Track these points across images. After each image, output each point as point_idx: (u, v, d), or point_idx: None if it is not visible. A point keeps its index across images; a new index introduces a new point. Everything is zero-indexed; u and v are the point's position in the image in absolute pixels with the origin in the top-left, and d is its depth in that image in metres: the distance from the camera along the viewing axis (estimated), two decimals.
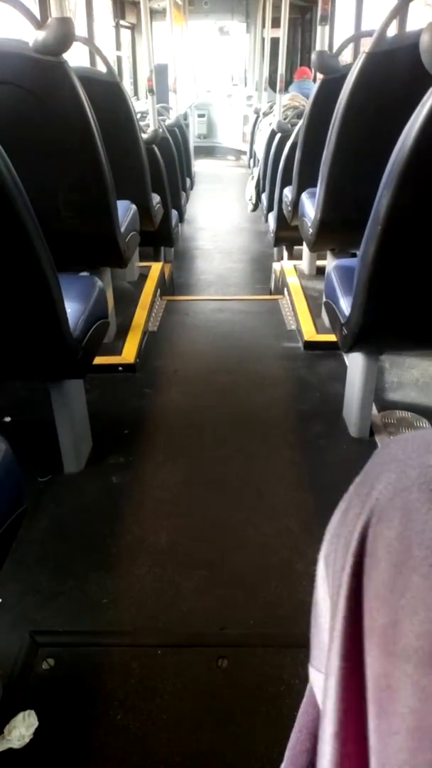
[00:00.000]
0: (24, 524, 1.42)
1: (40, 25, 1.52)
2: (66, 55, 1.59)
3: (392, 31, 1.92)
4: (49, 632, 1.23)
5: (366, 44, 1.84)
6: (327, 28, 2.72)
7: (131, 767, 0.99)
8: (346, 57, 3.30)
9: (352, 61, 2.66)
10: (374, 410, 1.92)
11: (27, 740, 1.02)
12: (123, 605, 1.29)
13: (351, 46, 3.11)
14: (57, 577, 1.36)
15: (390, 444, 0.31)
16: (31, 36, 1.54)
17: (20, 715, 1.05)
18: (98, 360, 1.68)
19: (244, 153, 8.24)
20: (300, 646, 1.15)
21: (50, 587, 1.33)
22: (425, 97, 1.14)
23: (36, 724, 1.04)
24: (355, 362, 1.82)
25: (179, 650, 1.19)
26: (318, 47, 2.64)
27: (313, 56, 2.46)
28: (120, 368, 2.25)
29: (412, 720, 0.24)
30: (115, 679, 1.13)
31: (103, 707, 1.08)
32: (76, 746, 1.03)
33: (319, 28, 2.69)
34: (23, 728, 1.03)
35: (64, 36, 1.54)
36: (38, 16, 1.59)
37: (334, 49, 2.89)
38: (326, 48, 2.68)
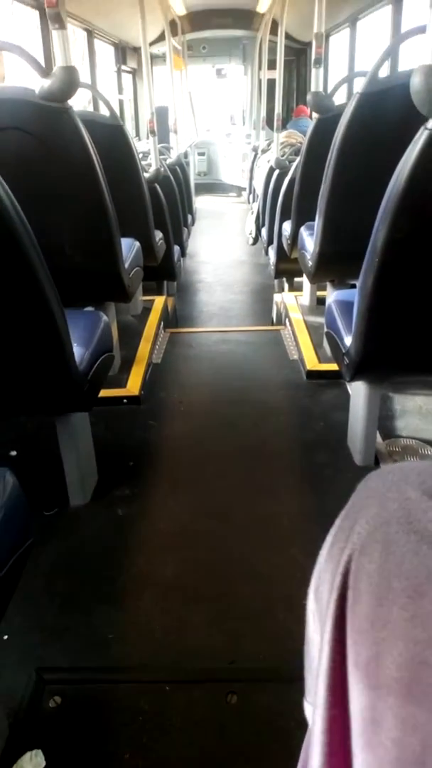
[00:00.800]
0: (29, 558, 1.42)
1: (45, 73, 1.60)
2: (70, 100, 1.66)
3: (384, 71, 1.99)
4: (55, 669, 1.21)
5: (359, 85, 1.92)
6: (321, 69, 2.82)
7: None
8: (340, 97, 3.42)
9: (346, 101, 2.76)
10: (378, 438, 1.92)
11: None
12: (130, 640, 1.28)
13: (345, 86, 3.24)
14: (63, 612, 1.35)
15: (371, 478, 0.32)
16: (37, 83, 1.61)
17: (27, 755, 1.03)
18: (103, 393, 1.70)
19: (244, 189, 8.43)
20: None
21: (56, 623, 1.32)
22: (417, 135, 1.19)
23: (43, 763, 1.02)
24: (357, 391, 1.83)
25: (188, 686, 1.17)
26: (313, 88, 2.73)
27: (309, 97, 2.55)
28: (125, 401, 2.27)
29: (395, 751, 0.24)
30: (123, 716, 1.11)
31: (111, 746, 1.06)
32: None
33: (313, 70, 2.79)
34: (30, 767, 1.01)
35: (69, 83, 1.61)
36: (43, 63, 1.67)
37: (329, 89, 3.00)
38: (321, 89, 2.77)
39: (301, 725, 1.08)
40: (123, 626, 1.31)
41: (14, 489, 0.94)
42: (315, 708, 0.29)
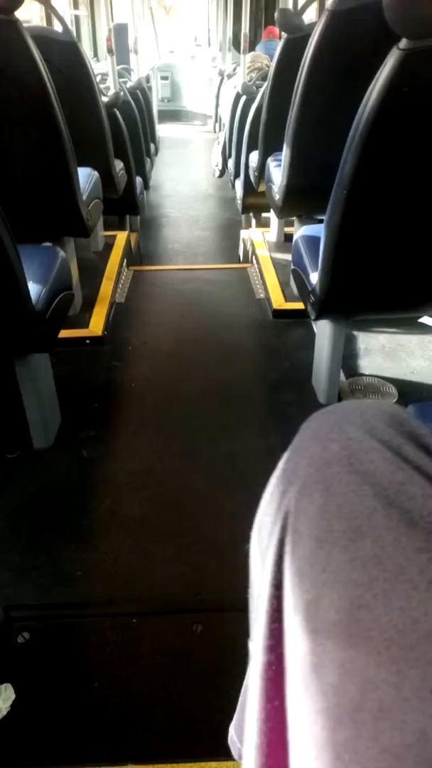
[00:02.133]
0: None
1: None
2: (17, 14, 1.51)
3: None
4: (22, 606, 1.23)
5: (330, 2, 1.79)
6: None
7: (111, 735, 1.01)
8: (311, 15, 3.22)
9: (317, 20, 2.59)
10: (342, 377, 1.94)
11: (4, 713, 1.02)
12: (97, 576, 1.30)
13: (315, 4, 3.04)
14: (29, 552, 1.36)
15: (313, 419, 0.31)
16: None
17: None
18: (64, 333, 1.65)
19: (210, 116, 8.04)
20: None
21: (23, 562, 1.33)
22: (388, 57, 1.12)
23: (13, 696, 1.05)
24: (323, 330, 1.82)
25: (154, 618, 1.21)
26: (281, 5, 2.56)
27: (276, 15, 2.39)
28: (87, 341, 2.22)
29: (334, 697, 0.24)
30: (92, 649, 1.15)
31: (80, 677, 1.10)
32: (54, 717, 1.04)
33: None
34: (0, 701, 1.03)
35: None
36: None
37: (299, 7, 2.81)
38: (290, 5, 2.60)
39: None
40: (90, 563, 1.33)
41: None
42: (252, 653, 0.28)
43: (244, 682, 0.39)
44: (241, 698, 0.39)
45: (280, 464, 0.31)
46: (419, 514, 0.25)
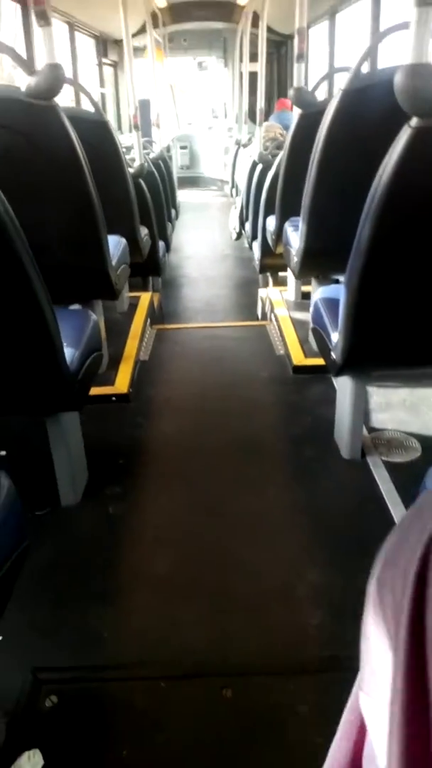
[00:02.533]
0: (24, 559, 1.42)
1: (31, 71, 1.58)
2: None
3: (364, 68, 2.01)
4: (51, 669, 1.22)
5: (340, 80, 1.92)
6: (302, 65, 2.82)
7: None
8: (320, 93, 3.43)
9: (327, 96, 2.77)
10: (365, 431, 1.95)
11: None
12: (124, 637, 1.29)
13: (326, 82, 3.24)
14: (57, 611, 1.36)
15: None
16: (22, 81, 1.60)
17: (25, 755, 1.03)
18: (92, 391, 1.70)
19: (226, 182, 8.41)
20: (303, 672, 1.16)
21: (51, 622, 1.33)
22: (400, 134, 1.20)
23: (41, 763, 1.03)
24: (344, 385, 1.85)
25: (183, 681, 1.19)
26: (295, 83, 2.74)
27: (291, 92, 2.55)
28: (113, 398, 2.27)
29: None
30: (120, 713, 1.13)
31: (108, 743, 1.08)
32: None
33: (296, 65, 2.80)
34: (28, 767, 1.02)
35: (55, 81, 1.60)
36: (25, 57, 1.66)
37: (310, 85, 3.01)
38: (303, 83, 2.78)
39: (296, 716, 1.10)
40: (117, 623, 1.32)
41: (9, 491, 0.94)
42: (392, 699, 0.29)
43: (337, 737, 0.39)
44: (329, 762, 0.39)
45: (408, 513, 0.32)
46: None
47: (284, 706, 1.12)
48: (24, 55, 2.22)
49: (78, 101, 4.77)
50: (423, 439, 1.96)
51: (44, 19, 1.61)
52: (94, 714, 1.13)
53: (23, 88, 1.58)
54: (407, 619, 0.29)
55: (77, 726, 1.11)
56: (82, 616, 1.34)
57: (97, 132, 2.42)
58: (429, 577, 0.29)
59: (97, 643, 1.28)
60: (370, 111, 1.83)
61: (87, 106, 2.58)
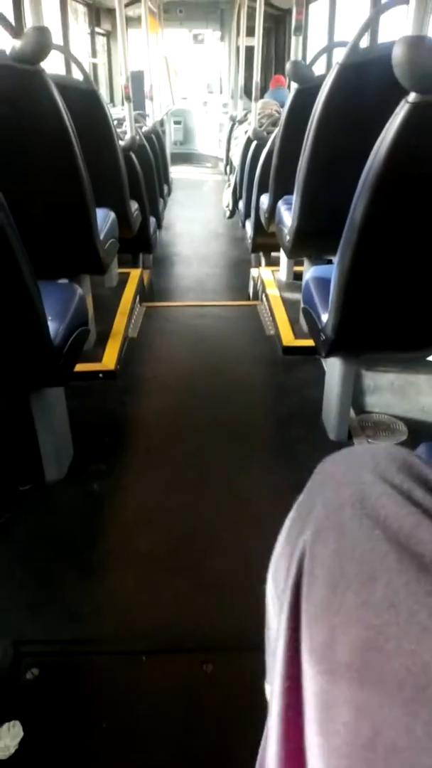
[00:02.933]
0: (5, 534, 1.42)
1: (17, 33, 1.53)
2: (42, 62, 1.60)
3: (364, 42, 1.96)
4: (32, 642, 1.22)
5: (339, 55, 1.88)
6: (301, 38, 2.76)
7: None
8: (319, 68, 3.36)
9: (326, 71, 2.71)
10: (352, 414, 1.95)
11: (12, 751, 1.01)
12: (106, 613, 1.29)
13: (324, 56, 3.17)
14: (39, 585, 1.36)
15: (326, 463, 0.31)
16: (7, 44, 1.54)
17: (5, 726, 1.04)
18: (78, 367, 1.68)
19: (221, 159, 8.29)
20: None
21: (32, 596, 1.33)
22: (397, 109, 1.18)
23: (21, 734, 1.03)
24: (333, 367, 1.85)
25: (163, 656, 1.20)
26: (292, 57, 2.68)
27: (288, 66, 2.50)
28: (100, 375, 2.25)
29: (347, 736, 0.24)
30: (100, 686, 1.13)
31: (88, 715, 1.08)
32: (62, 756, 1.02)
33: (293, 38, 2.74)
34: (8, 739, 1.02)
35: (42, 45, 1.55)
36: (13, 23, 1.60)
37: (308, 59, 2.94)
38: (300, 58, 2.72)
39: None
40: (99, 599, 1.32)
41: None
42: (272, 692, 0.29)
43: (266, 726, 0.39)
44: (262, 743, 0.39)
45: (295, 506, 0.32)
46: (430, 558, 0.25)
47: (262, 681, 1.12)
48: (11, 20, 2.14)
49: (69, 70, 4.65)
50: (410, 423, 1.96)
51: None
52: (75, 687, 1.14)
53: (8, 52, 1.53)
54: (286, 611, 0.28)
55: (58, 698, 1.12)
56: (63, 590, 1.34)
57: (86, 101, 2.35)
58: (306, 567, 0.28)
59: (78, 617, 1.28)
60: (368, 86, 1.79)
61: (78, 77, 2.50)
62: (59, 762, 1.01)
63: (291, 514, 0.32)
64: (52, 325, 1.43)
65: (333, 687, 0.25)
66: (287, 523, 0.32)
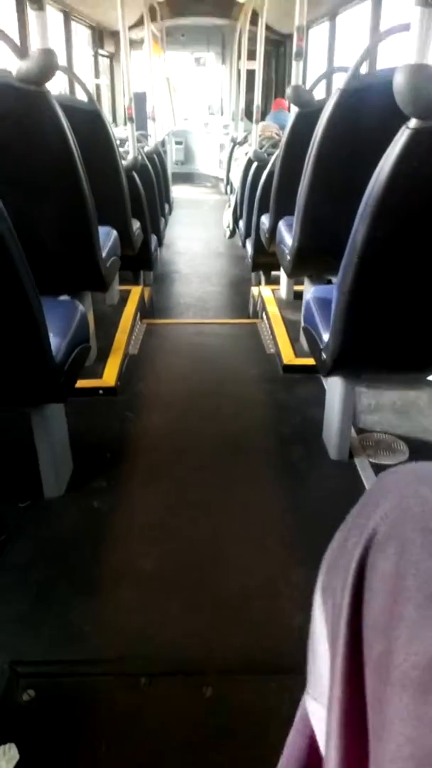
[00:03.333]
0: (3, 550, 1.40)
1: (23, 54, 1.56)
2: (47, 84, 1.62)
3: (363, 69, 2.00)
4: (29, 663, 1.20)
5: (339, 81, 1.92)
6: (301, 63, 2.81)
7: None
8: (319, 92, 3.43)
9: (326, 96, 2.76)
10: (353, 433, 1.95)
11: None
12: (106, 633, 1.28)
13: (324, 81, 3.24)
14: (38, 604, 1.34)
15: (385, 476, 0.32)
16: (13, 65, 1.57)
17: (0, 749, 1.02)
18: (79, 383, 1.68)
19: (221, 179, 8.39)
20: (285, 672, 1.15)
21: (31, 615, 1.31)
22: (398, 135, 1.20)
23: (17, 757, 1.01)
24: (333, 386, 1.85)
25: (163, 678, 1.18)
26: (293, 81, 2.73)
27: (289, 90, 2.54)
28: (101, 391, 2.25)
29: (408, 748, 0.24)
30: (99, 710, 1.11)
31: (86, 739, 1.06)
32: None
33: (294, 63, 2.79)
34: (4, 762, 1.00)
35: (47, 66, 1.57)
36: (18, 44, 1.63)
37: (308, 84, 3.00)
38: (301, 82, 2.77)
39: (277, 717, 1.10)
40: (99, 618, 1.31)
41: None
42: (330, 702, 0.29)
43: (289, 742, 0.39)
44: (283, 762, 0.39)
45: (350, 518, 0.32)
46: None
47: (265, 706, 1.11)
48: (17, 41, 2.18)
49: (72, 91, 4.73)
50: (411, 443, 1.96)
51: (37, 2, 1.59)
52: (72, 709, 1.12)
53: (13, 73, 1.55)
54: (345, 623, 0.28)
55: (55, 721, 1.10)
56: (63, 610, 1.32)
57: (89, 122, 2.39)
58: (366, 578, 0.28)
59: (77, 637, 1.26)
60: (368, 111, 1.82)
61: (81, 98, 2.54)
62: None
63: (345, 526, 0.32)
64: (54, 342, 1.43)
65: (395, 698, 0.25)
66: (340, 535, 0.32)
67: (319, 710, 0.33)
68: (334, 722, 0.28)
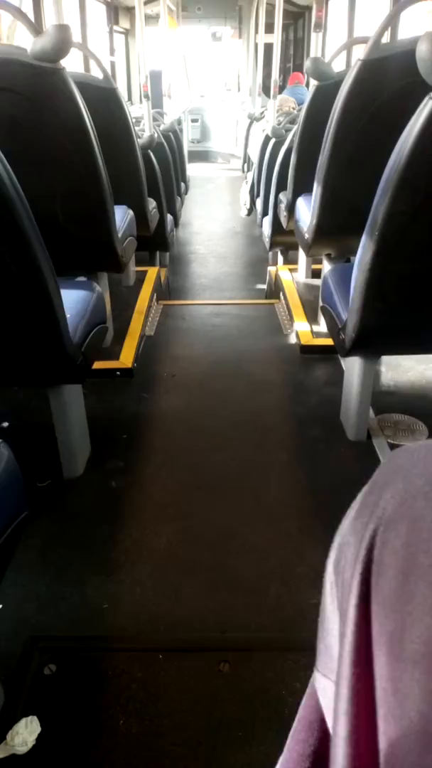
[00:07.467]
0: (23, 530, 1.42)
1: (38, 32, 1.53)
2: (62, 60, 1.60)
3: (384, 38, 1.93)
4: (50, 638, 1.23)
5: (359, 52, 1.86)
6: (320, 34, 2.73)
7: None
8: (338, 64, 3.33)
9: (345, 68, 2.69)
10: (371, 414, 1.93)
11: (30, 746, 1.01)
12: (124, 610, 1.29)
13: (343, 53, 3.14)
14: (57, 582, 1.36)
15: (396, 454, 0.32)
16: (28, 42, 1.55)
17: (23, 721, 1.05)
18: (96, 365, 1.68)
19: (238, 157, 8.27)
20: (301, 650, 1.16)
21: (51, 592, 1.33)
22: (421, 106, 1.16)
23: (39, 729, 1.04)
24: (351, 366, 1.83)
25: (181, 655, 1.19)
26: (312, 54, 2.66)
27: (307, 63, 2.47)
28: (117, 373, 2.26)
29: (420, 723, 0.24)
30: (117, 684, 1.13)
31: (105, 712, 1.08)
32: (79, 751, 1.03)
33: (313, 34, 2.72)
34: (26, 734, 1.03)
35: (62, 43, 1.55)
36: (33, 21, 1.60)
37: (327, 56, 2.92)
38: (320, 54, 2.69)
39: (292, 693, 1.11)
40: (117, 596, 1.32)
41: (9, 461, 0.93)
42: (339, 678, 0.29)
43: (298, 717, 0.39)
44: (289, 742, 0.39)
45: (360, 496, 0.32)
46: None
47: (280, 683, 1.12)
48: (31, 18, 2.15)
49: (87, 68, 4.67)
50: (430, 423, 1.93)
51: None
52: (92, 683, 1.14)
53: (28, 50, 1.53)
54: (355, 599, 0.28)
55: (74, 694, 1.12)
56: (82, 587, 1.34)
57: (105, 99, 2.36)
58: (377, 555, 0.28)
59: (96, 614, 1.28)
60: (389, 82, 1.77)
61: (96, 74, 2.50)
62: (76, 758, 1.02)
63: (356, 504, 0.32)
64: (71, 322, 1.43)
65: (406, 674, 0.25)
66: (351, 513, 0.32)
67: (328, 686, 0.33)
68: (343, 698, 0.28)
